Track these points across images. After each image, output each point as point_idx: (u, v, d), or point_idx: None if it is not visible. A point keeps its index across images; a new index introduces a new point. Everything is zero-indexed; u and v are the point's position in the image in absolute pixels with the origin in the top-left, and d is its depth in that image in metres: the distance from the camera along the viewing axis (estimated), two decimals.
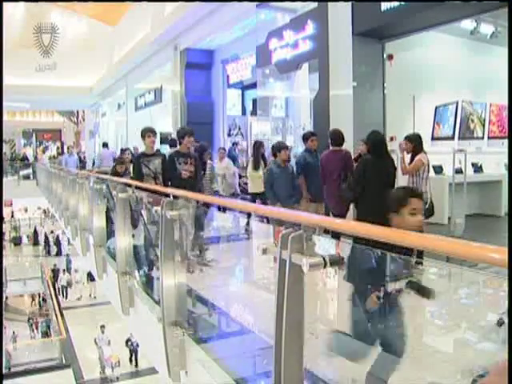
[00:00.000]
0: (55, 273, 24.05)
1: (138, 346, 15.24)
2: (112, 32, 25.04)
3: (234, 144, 13.76)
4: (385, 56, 9.42)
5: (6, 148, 41.68)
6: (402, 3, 8.00)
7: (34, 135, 44.25)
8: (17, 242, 33.03)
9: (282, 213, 2.45)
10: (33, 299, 23.24)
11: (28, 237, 33.02)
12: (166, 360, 3.68)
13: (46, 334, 19.45)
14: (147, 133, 7.07)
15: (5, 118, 38.01)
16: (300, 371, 2.13)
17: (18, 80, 24.29)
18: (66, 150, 25.09)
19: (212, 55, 16.91)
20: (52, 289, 22.29)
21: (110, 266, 6.15)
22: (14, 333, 17.84)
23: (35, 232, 33.66)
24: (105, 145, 18.18)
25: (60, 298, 22.04)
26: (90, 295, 22.37)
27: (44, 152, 38.88)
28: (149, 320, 4.41)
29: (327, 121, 9.39)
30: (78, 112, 37.74)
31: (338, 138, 7.14)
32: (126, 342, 15.98)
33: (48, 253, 29.38)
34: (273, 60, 11.63)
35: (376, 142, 6.30)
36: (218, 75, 16.57)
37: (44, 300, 22.48)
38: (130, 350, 16.11)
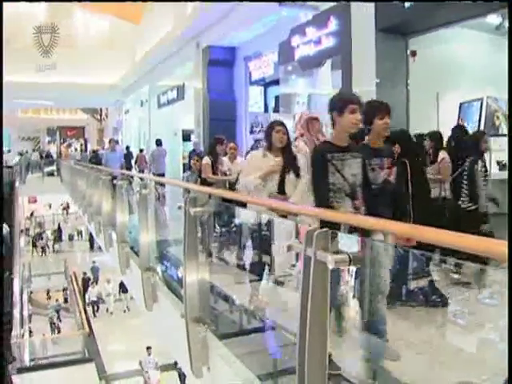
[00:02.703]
0: (85, 282, 22.64)
1: None
2: (135, 30, 25.20)
3: (257, 141, 13.73)
4: (408, 52, 9.33)
5: (30, 145, 42.33)
6: None
7: (58, 132, 44.81)
8: (41, 237, 33.54)
9: (304, 209, 2.44)
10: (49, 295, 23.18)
11: (53, 231, 33.60)
12: (189, 356, 3.70)
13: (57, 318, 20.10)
14: (349, 104, 3.55)
15: (29, 115, 38.60)
16: (324, 369, 2.13)
17: (41, 78, 24.60)
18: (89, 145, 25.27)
19: (234, 52, 16.89)
20: (80, 297, 22.01)
21: (133, 261, 6.21)
22: (43, 335, 18.07)
23: (59, 228, 34.16)
24: (116, 142, 18.99)
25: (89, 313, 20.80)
26: (125, 311, 20.76)
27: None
28: (172, 316, 4.45)
29: None
30: (101, 109, 38.02)
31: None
32: (175, 364, 14.01)
33: (91, 247, 29.54)
34: (295, 57, 11.60)
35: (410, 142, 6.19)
36: (241, 72, 16.55)
37: (66, 296, 22.64)
38: (179, 374, 14.32)
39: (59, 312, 20.62)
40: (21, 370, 14.90)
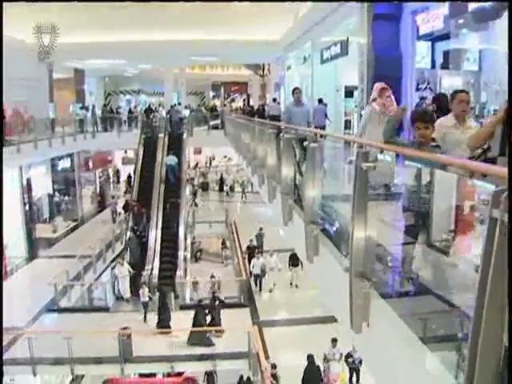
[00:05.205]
0: (251, 250, 21.33)
1: (360, 363, 12.90)
2: None
3: (422, 99, 13.12)
4: None
5: (197, 100, 44.64)
6: None
7: (222, 88, 46.66)
8: (204, 187, 35.70)
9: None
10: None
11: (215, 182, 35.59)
12: (350, 310, 3.73)
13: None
14: None
15: (196, 71, 40.45)
16: (499, 345, 2.01)
17: (208, 35, 25.53)
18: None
19: (401, 5, 16.10)
20: (239, 245, 23.21)
21: (297, 214, 6.32)
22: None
23: (221, 179, 36.01)
24: (274, 100, 20.44)
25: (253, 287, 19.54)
26: (291, 283, 19.43)
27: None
28: (333, 269, 4.49)
29: None
30: (263, 65, 38.69)
31: None
32: (346, 357, 13.66)
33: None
34: (469, 8, 10.82)
35: None
36: (407, 26, 15.78)
37: (224, 244, 23.81)
38: (351, 369, 13.74)
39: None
40: (182, 307, 16.44)
